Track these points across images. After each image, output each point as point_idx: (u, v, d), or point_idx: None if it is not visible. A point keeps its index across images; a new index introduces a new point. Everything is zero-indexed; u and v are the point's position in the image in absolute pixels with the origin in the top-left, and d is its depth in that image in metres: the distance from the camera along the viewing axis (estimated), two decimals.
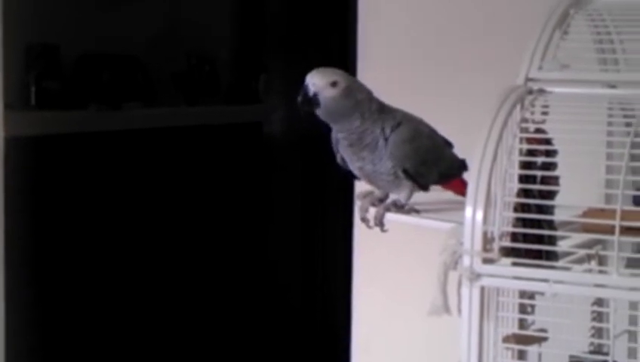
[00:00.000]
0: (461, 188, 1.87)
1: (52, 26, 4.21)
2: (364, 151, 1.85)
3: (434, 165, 1.89)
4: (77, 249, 4.11)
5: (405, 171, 1.84)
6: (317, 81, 1.82)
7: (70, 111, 4.20)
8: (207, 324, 4.75)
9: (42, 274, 3.96)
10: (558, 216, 1.60)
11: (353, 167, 1.89)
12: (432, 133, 1.92)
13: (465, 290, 1.56)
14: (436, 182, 1.92)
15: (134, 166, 4.40)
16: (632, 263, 1.52)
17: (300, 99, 1.83)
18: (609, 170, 1.68)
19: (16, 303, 3.24)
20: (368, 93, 1.87)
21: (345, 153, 1.88)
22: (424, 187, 1.88)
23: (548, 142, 1.59)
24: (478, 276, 1.55)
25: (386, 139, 1.84)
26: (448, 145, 1.96)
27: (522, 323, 1.64)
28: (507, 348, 1.60)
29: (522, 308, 1.64)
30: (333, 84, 1.82)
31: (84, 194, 4.15)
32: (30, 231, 3.80)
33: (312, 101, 1.82)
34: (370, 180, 1.90)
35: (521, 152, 1.59)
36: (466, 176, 1.86)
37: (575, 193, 1.63)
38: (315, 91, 1.82)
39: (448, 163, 1.93)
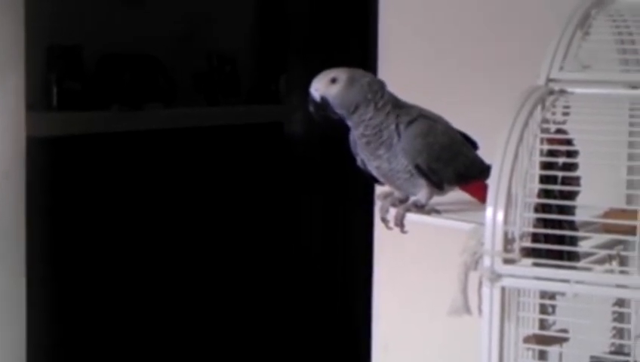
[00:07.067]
0: (481, 193, 1.85)
1: (74, 27, 4.23)
2: (380, 149, 1.84)
3: (450, 163, 1.87)
4: (98, 249, 4.13)
5: (418, 167, 1.83)
6: (318, 85, 1.84)
7: (92, 112, 4.22)
8: (225, 321, 4.75)
9: (64, 274, 3.97)
10: (579, 217, 1.59)
11: (371, 167, 1.88)
12: (450, 131, 1.90)
13: (485, 291, 1.56)
14: (453, 182, 1.90)
15: (156, 166, 4.41)
16: None
17: (310, 107, 1.85)
18: (630, 170, 1.68)
19: (38, 302, 3.25)
20: (379, 82, 1.86)
21: (363, 153, 1.88)
22: (438, 185, 1.86)
23: (569, 142, 1.59)
24: (499, 276, 1.55)
25: (399, 136, 1.83)
26: (472, 144, 1.94)
27: (543, 324, 1.64)
28: (528, 349, 1.60)
29: (543, 309, 1.64)
30: (333, 81, 1.83)
31: (105, 194, 4.16)
32: (52, 231, 3.81)
33: (322, 105, 1.83)
34: (388, 180, 1.89)
35: (542, 153, 1.58)
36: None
37: (596, 193, 1.63)
38: (320, 95, 1.83)
39: (467, 162, 1.90)
